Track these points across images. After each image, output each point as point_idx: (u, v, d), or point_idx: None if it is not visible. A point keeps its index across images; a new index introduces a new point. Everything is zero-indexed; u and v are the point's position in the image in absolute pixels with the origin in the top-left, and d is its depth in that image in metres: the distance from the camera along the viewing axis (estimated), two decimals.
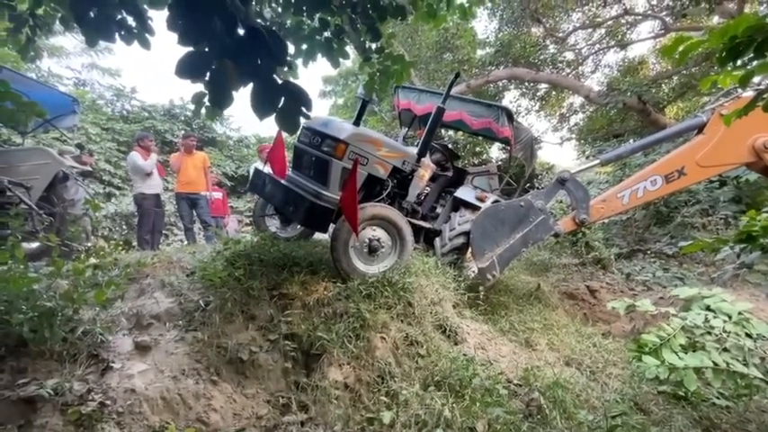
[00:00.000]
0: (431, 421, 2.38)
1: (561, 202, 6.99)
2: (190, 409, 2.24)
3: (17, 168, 4.48)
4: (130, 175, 5.99)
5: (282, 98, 1.27)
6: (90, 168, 5.57)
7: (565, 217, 4.57)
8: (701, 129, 4.34)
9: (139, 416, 2.12)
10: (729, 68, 1.94)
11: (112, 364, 2.37)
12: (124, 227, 8.72)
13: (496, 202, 4.72)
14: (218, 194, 6.90)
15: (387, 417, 2.36)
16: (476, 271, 4.45)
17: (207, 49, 1.25)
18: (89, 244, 4.84)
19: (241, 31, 1.23)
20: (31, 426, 1.95)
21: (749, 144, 4.05)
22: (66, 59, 10.38)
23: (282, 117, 1.31)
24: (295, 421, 2.32)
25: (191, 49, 1.29)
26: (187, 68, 1.28)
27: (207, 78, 1.30)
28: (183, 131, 11.52)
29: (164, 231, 7.67)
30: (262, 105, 1.28)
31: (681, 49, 1.91)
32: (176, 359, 2.52)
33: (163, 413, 2.18)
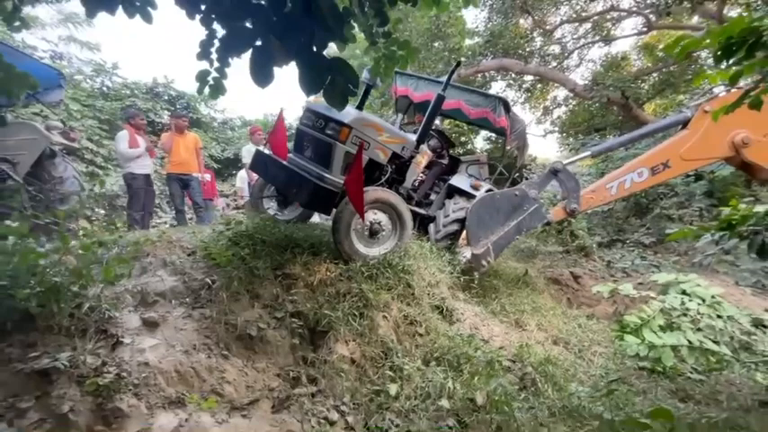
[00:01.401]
0: (434, 393, 2.53)
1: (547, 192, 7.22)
2: (204, 381, 2.30)
3: (2, 143, 4.31)
4: (118, 155, 5.82)
5: (330, 75, 1.31)
6: (77, 145, 5.38)
7: (556, 206, 4.75)
8: (684, 124, 4.56)
9: (155, 387, 2.17)
10: (723, 66, 2.08)
11: (122, 339, 2.40)
12: (106, 209, 8.48)
13: (490, 190, 4.86)
14: (207, 176, 6.81)
15: (392, 389, 2.49)
16: (468, 257, 4.61)
17: (250, 26, 1.27)
18: (78, 223, 4.74)
19: (287, 7, 1.25)
20: (49, 397, 1.97)
21: (729, 140, 4.30)
22: (41, 31, 9.82)
23: (331, 93, 1.36)
24: (305, 393, 2.42)
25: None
26: (230, 45, 1.30)
27: (250, 55, 1.32)
28: (166, 111, 11.19)
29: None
30: (310, 82, 1.32)
31: (681, 45, 2.05)
32: (186, 335, 2.56)
33: (178, 385, 2.23)
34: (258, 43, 1.28)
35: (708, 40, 1.92)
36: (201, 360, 2.40)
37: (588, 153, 5.00)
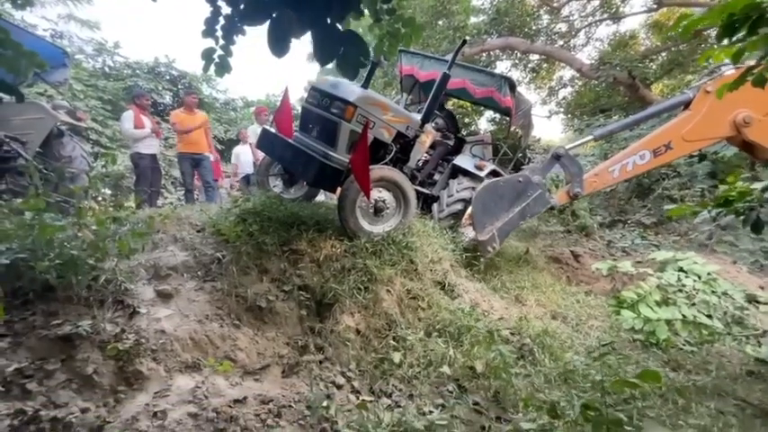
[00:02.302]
0: (435, 361, 2.65)
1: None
2: (217, 348, 2.43)
3: (10, 122, 4.37)
4: (123, 135, 5.85)
5: (342, 47, 1.36)
6: (84, 125, 5.43)
7: (560, 190, 4.79)
8: (687, 105, 4.55)
9: (172, 353, 2.29)
10: (726, 43, 2.09)
11: (139, 309, 2.52)
12: (111, 188, 8.58)
13: (494, 170, 4.89)
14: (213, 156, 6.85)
15: (396, 357, 2.62)
16: (469, 236, 4.70)
17: None
18: (87, 202, 4.83)
19: None
20: (73, 360, 2.10)
21: (730, 119, 4.30)
22: (40, 9, 9.72)
23: (343, 64, 1.40)
24: (313, 360, 2.55)
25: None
26: (247, 15, 1.35)
27: (267, 25, 1.35)
28: (168, 91, 11.15)
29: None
30: (324, 53, 1.36)
31: (684, 24, 2.06)
32: (199, 306, 2.68)
33: (193, 351, 2.36)
34: (275, 15, 1.32)
35: (710, 19, 1.94)
36: (215, 329, 2.52)
37: (591, 137, 4.99)
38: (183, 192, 9.39)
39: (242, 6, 1.35)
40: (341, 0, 1.33)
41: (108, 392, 2.01)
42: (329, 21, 1.34)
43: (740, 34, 1.99)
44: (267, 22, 1.35)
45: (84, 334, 2.18)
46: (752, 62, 2.11)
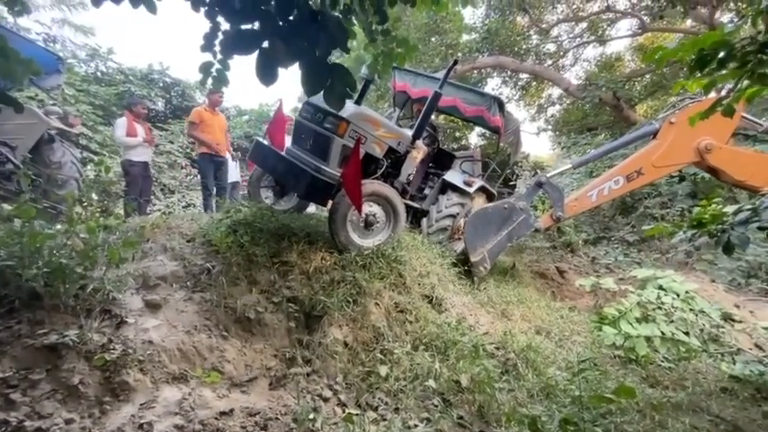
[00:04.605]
0: (421, 375, 2.69)
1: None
2: (205, 359, 2.43)
3: (1, 127, 4.34)
4: (116, 141, 5.83)
5: (330, 79, 1.43)
6: (76, 131, 5.40)
7: (545, 214, 5.27)
8: (654, 135, 5.06)
9: (159, 364, 2.29)
10: (698, 75, 2.24)
11: (126, 319, 2.51)
12: (100, 194, 8.48)
13: (483, 187, 5.10)
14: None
15: (383, 370, 2.65)
16: (457, 251, 4.83)
17: (258, 28, 1.38)
18: (77, 209, 4.80)
19: (294, 14, 1.37)
20: (59, 370, 2.08)
21: (694, 146, 4.78)
22: (35, 12, 9.69)
23: (330, 96, 1.48)
24: (301, 372, 2.56)
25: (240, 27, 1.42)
26: (238, 44, 1.42)
27: (256, 55, 1.43)
28: (161, 99, 11.13)
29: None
30: (311, 84, 1.44)
31: (658, 55, 2.20)
32: (187, 316, 2.68)
33: (180, 362, 2.36)
34: (265, 45, 1.39)
35: (682, 52, 2.08)
36: (202, 340, 2.53)
37: (569, 166, 5.48)
38: (171, 199, 9.34)
39: (233, 35, 1.42)
40: (328, 36, 1.40)
41: (93, 403, 2.00)
42: (317, 54, 1.41)
43: (710, 68, 2.14)
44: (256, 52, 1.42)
45: (70, 344, 2.17)
46: (712, 95, 2.27)
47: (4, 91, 2.18)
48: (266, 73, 1.46)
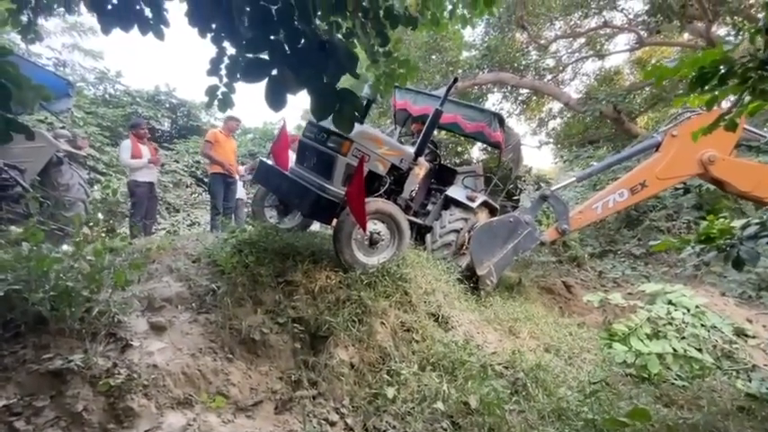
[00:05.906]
0: (429, 396, 2.64)
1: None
2: (210, 383, 2.41)
3: (10, 150, 4.42)
4: (121, 164, 5.91)
5: (338, 104, 1.46)
6: (84, 153, 5.49)
7: (550, 227, 5.23)
8: (657, 147, 5.07)
9: (164, 388, 2.27)
10: (698, 92, 2.25)
11: (131, 342, 2.50)
12: (105, 214, 8.56)
13: (485, 201, 5.09)
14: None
15: (390, 392, 2.61)
16: (463, 266, 4.81)
17: (267, 56, 1.42)
18: (84, 230, 4.83)
19: (302, 43, 1.40)
20: (63, 396, 2.07)
21: (697, 158, 4.78)
22: (46, 38, 9.97)
23: (339, 120, 1.51)
24: (307, 395, 2.52)
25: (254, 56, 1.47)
26: (247, 73, 1.45)
27: (265, 82, 1.46)
28: (167, 119, 11.33)
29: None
30: (321, 109, 1.46)
31: (657, 74, 2.22)
32: (192, 339, 2.66)
33: (185, 387, 2.33)
34: (274, 73, 1.43)
35: (681, 70, 2.10)
36: (207, 363, 2.50)
37: (573, 179, 5.47)
38: (176, 217, 9.39)
39: (243, 64, 1.46)
40: (336, 62, 1.44)
41: (97, 431, 1.97)
42: (325, 80, 1.45)
43: (710, 84, 2.15)
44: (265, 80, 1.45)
45: (75, 369, 2.15)
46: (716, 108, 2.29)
47: (16, 118, 2.23)
48: (275, 99, 1.49)
